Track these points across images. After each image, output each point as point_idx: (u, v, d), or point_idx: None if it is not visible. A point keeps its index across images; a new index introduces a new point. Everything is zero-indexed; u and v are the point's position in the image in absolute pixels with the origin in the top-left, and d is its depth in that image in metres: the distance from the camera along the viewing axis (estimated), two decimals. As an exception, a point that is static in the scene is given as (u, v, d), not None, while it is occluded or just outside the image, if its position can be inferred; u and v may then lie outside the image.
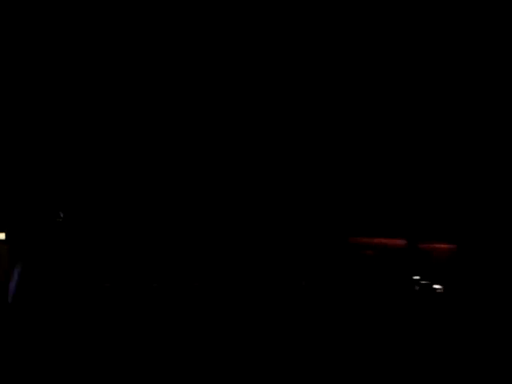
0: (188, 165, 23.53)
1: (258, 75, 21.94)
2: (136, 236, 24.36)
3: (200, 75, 21.86)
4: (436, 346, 16.55)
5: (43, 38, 22.04)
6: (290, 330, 18.05)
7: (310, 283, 21.53)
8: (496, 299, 19.97)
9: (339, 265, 22.34)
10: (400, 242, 22.42)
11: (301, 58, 21.85)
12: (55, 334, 18.97)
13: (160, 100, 22.36)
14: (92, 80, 22.31)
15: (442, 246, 22.52)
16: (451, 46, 21.06)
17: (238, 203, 23.02)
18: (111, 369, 14.64)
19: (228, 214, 23.05)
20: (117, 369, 14.66)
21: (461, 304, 20.50)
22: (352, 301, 20.64)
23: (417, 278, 22.58)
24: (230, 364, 14.92)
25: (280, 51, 21.81)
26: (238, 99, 21.93)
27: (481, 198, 21.13)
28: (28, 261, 22.09)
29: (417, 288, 22.72)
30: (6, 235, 21.13)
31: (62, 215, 22.59)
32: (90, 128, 22.42)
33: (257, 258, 22.80)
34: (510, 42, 20.50)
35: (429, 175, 21.40)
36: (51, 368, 14.99)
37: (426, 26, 20.94)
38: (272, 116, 22.21)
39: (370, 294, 21.28)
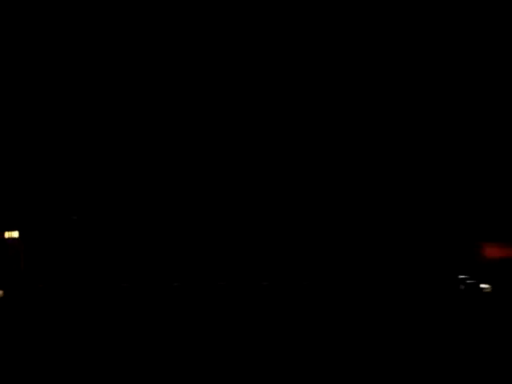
0: (211, 165, 23.09)
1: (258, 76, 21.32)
2: (155, 236, 23.42)
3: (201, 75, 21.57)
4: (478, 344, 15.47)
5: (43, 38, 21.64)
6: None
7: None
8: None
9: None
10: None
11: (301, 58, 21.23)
12: (67, 331, 18.29)
13: (164, 102, 21.91)
14: (96, 83, 21.74)
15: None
16: (451, 46, 20.66)
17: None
18: (132, 365, 14.22)
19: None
20: (137, 365, 14.25)
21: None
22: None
23: (464, 276, 21.23)
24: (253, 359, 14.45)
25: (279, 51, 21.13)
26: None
27: None
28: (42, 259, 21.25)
29: (462, 287, 21.14)
30: (20, 233, 20.38)
31: (75, 217, 21.75)
32: (102, 130, 21.82)
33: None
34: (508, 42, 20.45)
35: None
36: (67, 365, 14.45)
37: (425, 26, 20.57)
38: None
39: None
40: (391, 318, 18.05)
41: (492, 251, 21.34)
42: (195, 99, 22.25)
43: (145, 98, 21.97)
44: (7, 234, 21.18)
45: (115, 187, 22.39)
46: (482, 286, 20.90)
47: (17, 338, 19.71)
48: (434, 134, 21.46)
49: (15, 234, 21.24)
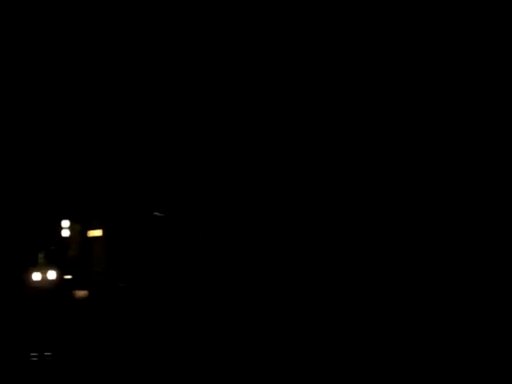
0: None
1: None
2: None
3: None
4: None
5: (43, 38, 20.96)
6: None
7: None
8: None
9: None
10: None
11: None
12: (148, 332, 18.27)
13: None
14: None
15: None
16: (450, 47, 20.10)
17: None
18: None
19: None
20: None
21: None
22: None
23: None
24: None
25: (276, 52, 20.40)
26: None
27: None
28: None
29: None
30: (103, 232, 20.17)
31: (159, 215, 21.13)
32: (181, 129, 21.19)
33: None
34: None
35: None
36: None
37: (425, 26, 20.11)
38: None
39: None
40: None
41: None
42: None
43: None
44: (91, 233, 21.03)
45: (197, 184, 21.52)
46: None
47: (101, 338, 19.68)
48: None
49: (98, 233, 21.04)
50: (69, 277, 21.13)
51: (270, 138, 21.96)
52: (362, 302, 19.90)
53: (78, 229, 21.23)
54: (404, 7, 20.36)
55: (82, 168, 21.84)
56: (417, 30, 20.50)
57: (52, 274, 20.99)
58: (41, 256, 21.22)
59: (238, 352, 19.00)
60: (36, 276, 21.20)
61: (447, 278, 20.20)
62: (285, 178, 22.16)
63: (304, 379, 13.05)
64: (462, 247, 20.36)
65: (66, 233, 21.26)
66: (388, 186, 21.03)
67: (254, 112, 21.66)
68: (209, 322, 21.40)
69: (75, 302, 20.79)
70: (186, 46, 21.07)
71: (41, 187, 21.64)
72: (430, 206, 20.66)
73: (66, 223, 21.29)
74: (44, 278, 21.12)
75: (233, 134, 22.06)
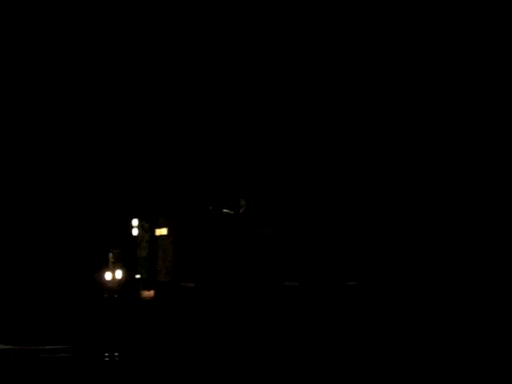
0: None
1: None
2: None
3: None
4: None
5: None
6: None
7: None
8: None
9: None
10: None
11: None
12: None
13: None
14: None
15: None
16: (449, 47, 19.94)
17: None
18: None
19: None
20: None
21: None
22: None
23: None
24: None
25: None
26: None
27: None
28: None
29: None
30: (169, 230, 19.79)
31: (229, 212, 20.33)
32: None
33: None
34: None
35: None
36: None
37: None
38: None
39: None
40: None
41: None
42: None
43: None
44: (158, 232, 20.57)
45: (268, 180, 20.64)
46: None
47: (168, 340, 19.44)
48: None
49: (164, 232, 20.55)
50: (138, 276, 20.80)
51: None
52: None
53: (147, 227, 20.82)
54: (404, 7, 20.34)
55: (150, 165, 21.49)
56: (417, 30, 20.46)
57: (119, 274, 20.74)
58: (111, 255, 21.03)
59: (313, 353, 18.32)
60: (107, 276, 21.05)
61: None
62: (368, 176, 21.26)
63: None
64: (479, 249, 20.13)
65: (135, 232, 20.91)
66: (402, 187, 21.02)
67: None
68: (281, 324, 20.48)
69: (142, 303, 20.46)
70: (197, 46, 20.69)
71: (110, 186, 21.48)
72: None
73: (135, 222, 20.94)
74: (114, 278, 20.93)
75: (310, 130, 21.37)
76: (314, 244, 21.36)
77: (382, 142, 21.59)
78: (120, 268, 20.87)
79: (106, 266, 21.03)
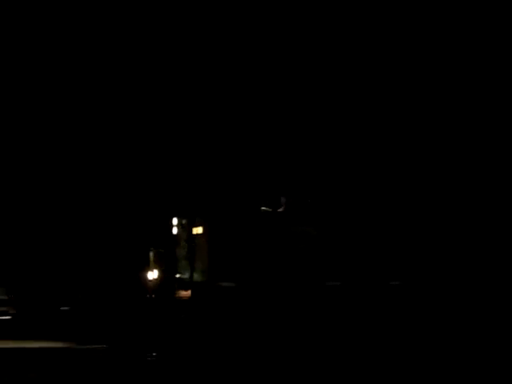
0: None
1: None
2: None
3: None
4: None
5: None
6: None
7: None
8: None
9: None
10: None
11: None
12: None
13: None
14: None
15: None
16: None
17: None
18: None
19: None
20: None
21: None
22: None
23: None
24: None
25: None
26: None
27: None
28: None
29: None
30: (204, 229, 19.62)
31: (266, 209, 19.89)
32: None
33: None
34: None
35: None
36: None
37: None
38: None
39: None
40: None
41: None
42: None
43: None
44: (195, 231, 20.34)
45: (307, 178, 20.09)
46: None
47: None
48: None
49: (200, 231, 20.30)
50: (178, 275, 20.64)
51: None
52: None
53: (186, 226, 20.61)
54: (404, 7, 20.25)
55: (188, 162, 21.29)
56: (417, 30, 20.36)
57: (155, 274, 20.64)
58: (151, 254, 20.96)
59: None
60: (150, 275, 21.03)
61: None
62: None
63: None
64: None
65: (175, 231, 20.73)
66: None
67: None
68: (322, 323, 19.85)
69: (178, 302, 20.28)
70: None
71: (151, 185, 21.43)
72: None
73: (175, 221, 20.76)
74: (156, 277, 20.88)
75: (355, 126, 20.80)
76: (357, 243, 20.59)
77: (427, 143, 20.80)
78: (161, 267, 20.77)
79: (147, 266, 20.99)
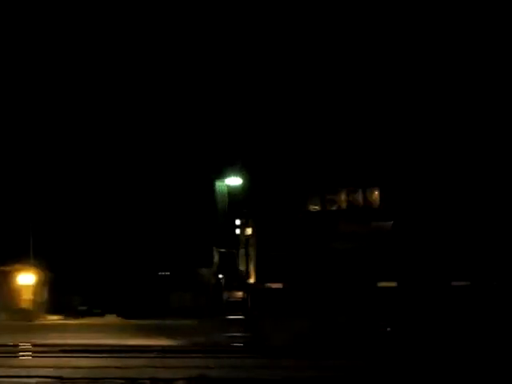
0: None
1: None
2: None
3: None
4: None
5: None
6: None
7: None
8: None
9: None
10: None
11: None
12: None
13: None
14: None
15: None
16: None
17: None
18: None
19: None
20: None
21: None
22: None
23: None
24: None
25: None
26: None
27: None
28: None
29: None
30: (252, 230, 19.93)
31: (314, 208, 19.51)
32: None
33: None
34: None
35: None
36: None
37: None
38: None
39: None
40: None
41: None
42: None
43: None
44: (247, 232, 20.38)
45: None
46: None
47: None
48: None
49: (249, 231, 20.30)
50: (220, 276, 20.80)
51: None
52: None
53: (241, 227, 20.70)
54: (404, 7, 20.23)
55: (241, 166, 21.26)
56: (417, 30, 20.56)
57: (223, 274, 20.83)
58: (215, 255, 21.21)
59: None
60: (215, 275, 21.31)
61: None
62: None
63: None
64: None
65: (237, 231, 20.88)
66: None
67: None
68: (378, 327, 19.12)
69: (231, 303, 20.37)
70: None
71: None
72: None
73: (238, 221, 20.90)
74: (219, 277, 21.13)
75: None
76: (412, 243, 19.47)
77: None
78: (224, 268, 20.98)
79: (210, 267, 21.33)
